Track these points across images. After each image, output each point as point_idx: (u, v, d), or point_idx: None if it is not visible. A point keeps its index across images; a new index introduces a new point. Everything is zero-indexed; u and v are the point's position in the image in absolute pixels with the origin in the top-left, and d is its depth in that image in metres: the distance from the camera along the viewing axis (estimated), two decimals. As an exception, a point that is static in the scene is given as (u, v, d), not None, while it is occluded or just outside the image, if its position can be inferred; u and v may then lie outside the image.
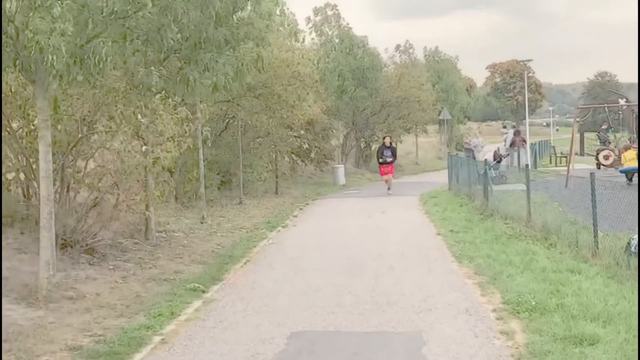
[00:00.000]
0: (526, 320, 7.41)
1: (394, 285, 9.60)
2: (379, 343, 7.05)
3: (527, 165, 14.58)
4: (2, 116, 10.66)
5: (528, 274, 9.43)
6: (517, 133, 32.39)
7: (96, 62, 8.17)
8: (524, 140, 31.57)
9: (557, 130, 77.77)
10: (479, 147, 34.60)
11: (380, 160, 25.11)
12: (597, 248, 10.03)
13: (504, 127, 39.01)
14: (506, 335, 7.00)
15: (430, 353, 6.59)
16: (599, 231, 10.28)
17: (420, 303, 8.53)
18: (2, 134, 10.78)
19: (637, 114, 45.23)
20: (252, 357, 6.68)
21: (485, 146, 37.94)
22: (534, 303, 7.83)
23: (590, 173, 10.55)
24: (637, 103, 49.21)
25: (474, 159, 36.19)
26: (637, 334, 6.43)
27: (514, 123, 59.67)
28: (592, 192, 10.17)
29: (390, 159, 24.86)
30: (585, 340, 6.42)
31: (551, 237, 11.70)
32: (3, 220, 10.80)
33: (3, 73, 9.12)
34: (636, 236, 9.97)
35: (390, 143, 25.65)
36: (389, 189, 24.59)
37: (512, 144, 30.77)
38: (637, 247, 9.86)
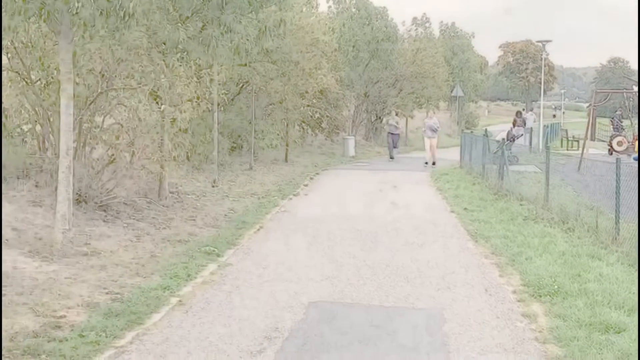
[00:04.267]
0: (548, 304, 7.32)
1: (410, 261, 9.50)
2: (399, 318, 6.97)
3: (547, 147, 14.37)
4: (22, 67, 10.55)
5: (547, 257, 9.31)
6: (518, 114, 32.13)
7: (123, 15, 7.97)
8: (524, 122, 31.40)
9: (564, 113, 77.41)
10: (429, 131, 26.23)
11: None
12: (618, 234, 9.90)
13: (523, 109, 38.22)
14: (529, 318, 6.91)
15: (452, 332, 6.50)
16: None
17: (438, 280, 8.44)
18: (20, 85, 10.67)
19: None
20: (271, 324, 6.61)
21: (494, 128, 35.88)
22: (555, 287, 7.74)
23: (617, 159, 10.39)
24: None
25: (394, 145, 28.81)
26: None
27: (531, 106, 59.17)
28: (617, 179, 10.01)
29: None
30: (611, 328, 6.33)
31: (569, 221, 11.57)
32: (18, 171, 10.72)
33: (27, 22, 8.95)
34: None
35: None
36: None
37: (514, 125, 30.60)
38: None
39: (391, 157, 28.47)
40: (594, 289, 7.60)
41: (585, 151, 23.00)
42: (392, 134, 29.05)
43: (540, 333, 6.45)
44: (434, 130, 26.17)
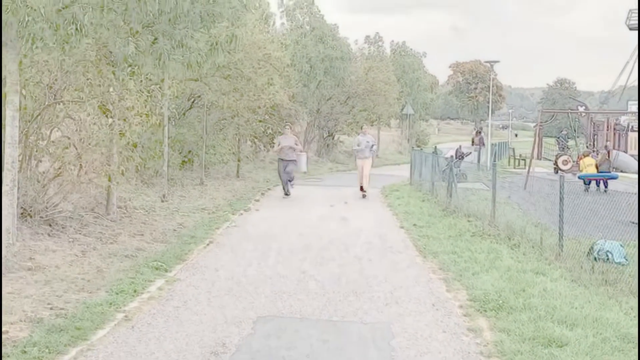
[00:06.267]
0: (493, 318, 7.44)
1: (360, 276, 9.56)
2: (347, 332, 6.99)
3: (494, 165, 14.66)
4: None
5: (493, 273, 9.47)
6: (477, 133, 33.05)
7: (76, 28, 7.89)
8: (482, 141, 32.28)
9: (516, 135, 79.15)
10: (366, 150, 20.29)
11: None
12: (562, 251, 10.14)
13: (480, 128, 39.16)
14: (474, 333, 7.01)
15: (400, 346, 6.56)
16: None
17: (386, 295, 8.51)
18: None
19: (594, 122, 46.09)
20: (219, 339, 6.56)
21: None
22: (500, 302, 7.88)
23: (560, 177, 10.66)
24: (595, 111, 50.13)
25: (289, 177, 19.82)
26: (604, 338, 6.50)
27: (480, 125, 60.53)
28: (560, 197, 10.27)
29: None
30: (554, 342, 6.46)
31: (515, 237, 11.81)
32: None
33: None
34: (600, 241, 10.13)
35: None
36: None
37: (472, 143, 31.39)
38: (600, 253, 10.03)
39: (286, 194, 20.00)
40: (538, 303, 7.76)
41: (531, 169, 23.52)
42: (284, 160, 19.84)
43: (485, 347, 6.55)
44: (371, 149, 20.61)
